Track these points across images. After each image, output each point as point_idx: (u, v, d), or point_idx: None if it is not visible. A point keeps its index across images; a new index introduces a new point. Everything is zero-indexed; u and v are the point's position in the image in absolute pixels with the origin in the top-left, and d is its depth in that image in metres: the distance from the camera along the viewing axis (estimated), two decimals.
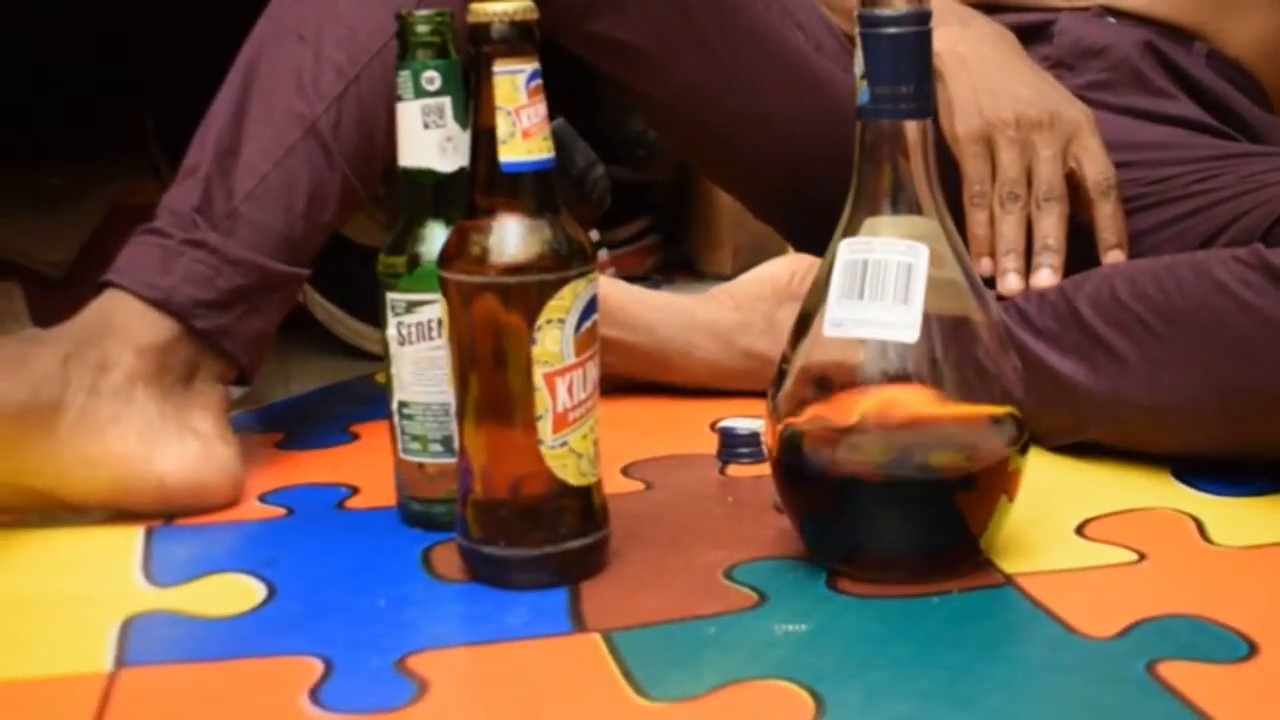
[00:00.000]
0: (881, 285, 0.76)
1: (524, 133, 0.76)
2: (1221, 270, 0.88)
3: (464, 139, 0.86)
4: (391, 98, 0.98)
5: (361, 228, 1.28)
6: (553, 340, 0.76)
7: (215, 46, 1.36)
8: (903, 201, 0.78)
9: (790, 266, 1.18)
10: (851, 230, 0.79)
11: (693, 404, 1.12)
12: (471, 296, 0.77)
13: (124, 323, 0.92)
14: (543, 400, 0.77)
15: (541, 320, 0.76)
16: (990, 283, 1.03)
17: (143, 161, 1.42)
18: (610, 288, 1.10)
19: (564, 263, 0.77)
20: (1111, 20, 1.21)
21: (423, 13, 0.85)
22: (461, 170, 0.86)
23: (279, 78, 0.99)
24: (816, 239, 1.25)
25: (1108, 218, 1.03)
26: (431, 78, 0.85)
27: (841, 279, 0.77)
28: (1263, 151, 1.09)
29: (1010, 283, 1.02)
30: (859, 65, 0.76)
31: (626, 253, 1.62)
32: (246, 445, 0.99)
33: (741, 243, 1.63)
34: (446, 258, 0.78)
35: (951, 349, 0.78)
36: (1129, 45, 1.19)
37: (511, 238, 0.76)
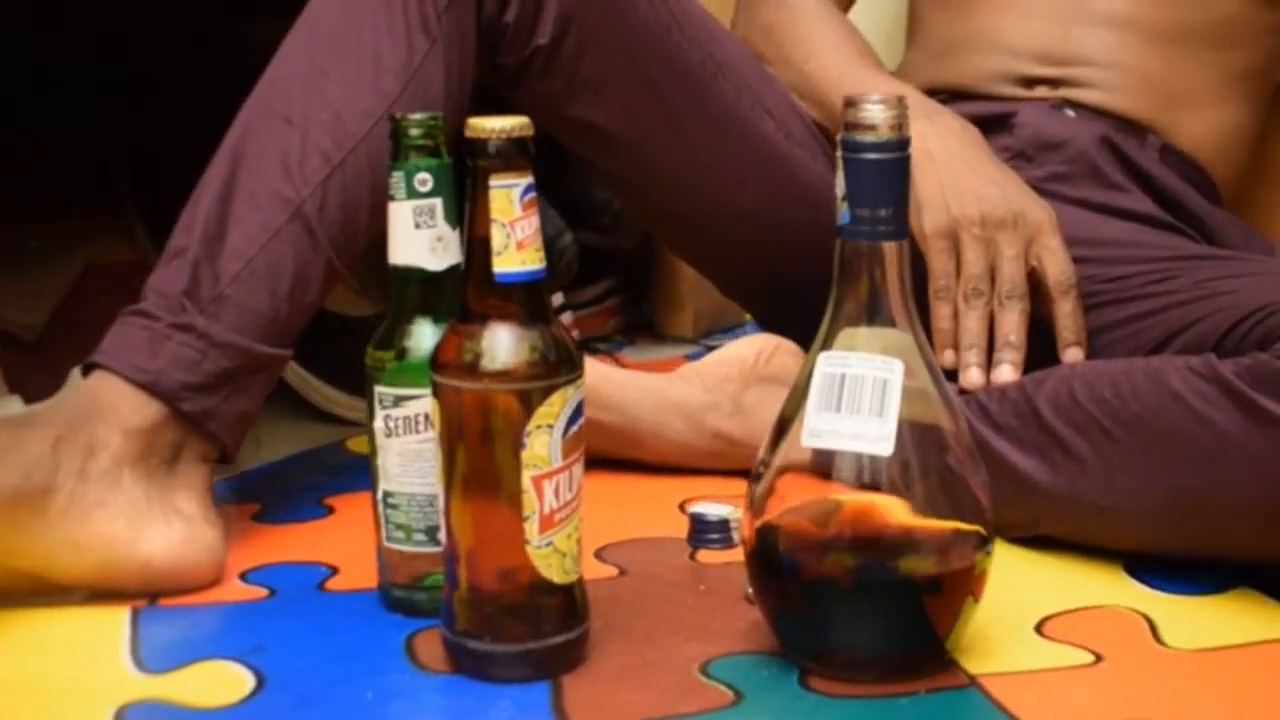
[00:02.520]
0: (858, 399, 0.80)
1: (518, 244, 0.79)
2: (1176, 380, 0.92)
3: (453, 238, 0.89)
4: (376, 182, 1.01)
5: (336, 295, 1.30)
6: (541, 445, 0.79)
7: (193, 105, 1.38)
8: (878, 315, 0.82)
9: (756, 346, 1.22)
10: (829, 341, 0.82)
11: (662, 481, 1.15)
12: (463, 401, 0.79)
13: (112, 405, 0.94)
14: (530, 502, 0.79)
15: (531, 426, 0.79)
16: (953, 375, 1.07)
17: (116, 221, 1.43)
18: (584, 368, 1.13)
19: (553, 370, 0.79)
20: (1071, 113, 1.26)
21: (416, 116, 0.88)
22: (450, 268, 0.89)
23: (266, 161, 1.01)
24: (781, 318, 1.30)
25: (1067, 316, 1.07)
26: (424, 179, 0.87)
27: (819, 391, 0.81)
28: (1215, 255, 1.13)
29: (972, 377, 1.06)
30: (840, 186, 0.80)
31: (590, 314, 1.65)
32: (224, 517, 1.01)
33: (702, 307, 1.67)
34: (440, 362, 0.80)
35: (922, 455, 0.81)
36: (1087, 140, 1.23)
37: (503, 346, 0.79)
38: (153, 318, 0.97)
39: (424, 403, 0.87)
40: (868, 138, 0.78)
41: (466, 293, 0.81)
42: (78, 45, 1.54)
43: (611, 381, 1.15)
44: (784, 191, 1.22)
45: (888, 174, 0.79)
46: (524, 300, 0.80)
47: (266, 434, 1.28)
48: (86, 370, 0.97)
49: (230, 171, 1.01)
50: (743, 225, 1.23)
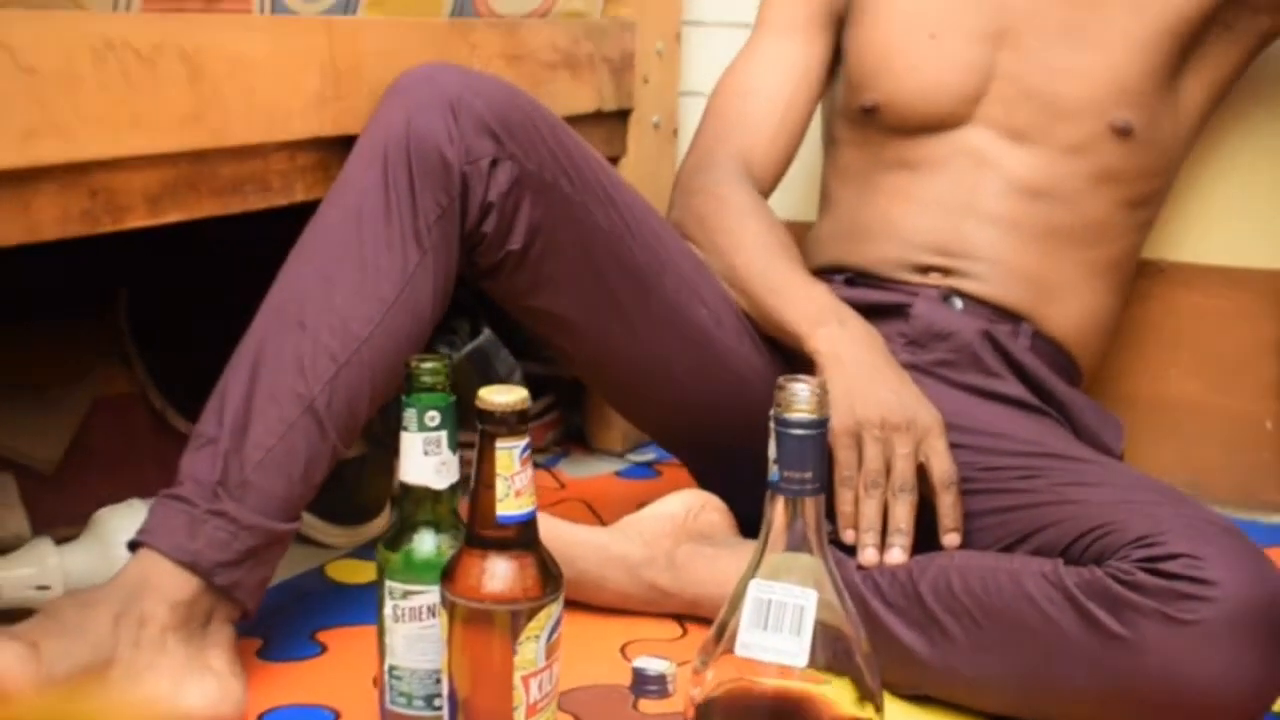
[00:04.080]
0: (780, 621, 1.00)
1: (516, 492, 0.99)
2: (1031, 584, 1.14)
3: (454, 460, 1.09)
4: (375, 377, 1.21)
5: None
6: (530, 651, 0.99)
7: (194, 242, 1.54)
8: (798, 544, 1.02)
9: (685, 503, 1.42)
10: (758, 565, 1.03)
11: (603, 623, 1.35)
12: (469, 614, 0.99)
13: (158, 581, 1.12)
14: (519, 696, 1.00)
15: (523, 638, 0.99)
16: (853, 550, 1.29)
17: (112, 346, 1.60)
18: (540, 524, 1.33)
19: (542, 592, 1.00)
20: (958, 303, 1.48)
21: (428, 364, 1.07)
22: (451, 486, 1.08)
23: (283, 361, 1.20)
24: (707, 470, 1.51)
25: (948, 507, 1.28)
26: (433, 416, 1.07)
27: (750, 612, 1.01)
28: (1070, 456, 1.35)
29: (869, 556, 1.27)
30: (772, 451, 1.00)
31: (531, 428, 1.84)
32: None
33: (630, 426, 1.87)
34: (450, 578, 1.00)
35: (829, 652, 1.02)
36: (970, 333, 1.46)
37: (501, 573, 0.99)
38: (191, 503, 1.15)
39: (426, 597, 1.07)
40: (795, 416, 0.99)
41: (473, 522, 1.00)
42: None
43: (561, 540, 1.34)
44: (712, 372, 1.42)
45: (810, 446, 0.99)
46: (519, 533, 1.00)
47: None
48: (133, 546, 1.15)
49: (253, 368, 1.19)
50: (676, 398, 1.43)
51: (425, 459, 1.07)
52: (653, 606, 1.37)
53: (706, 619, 1.35)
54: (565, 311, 1.37)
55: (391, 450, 1.53)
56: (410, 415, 1.07)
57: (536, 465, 1.81)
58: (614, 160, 1.78)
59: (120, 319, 1.62)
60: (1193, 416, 1.72)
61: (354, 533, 1.54)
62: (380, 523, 1.57)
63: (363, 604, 1.38)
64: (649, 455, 1.88)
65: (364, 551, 1.53)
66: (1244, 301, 1.68)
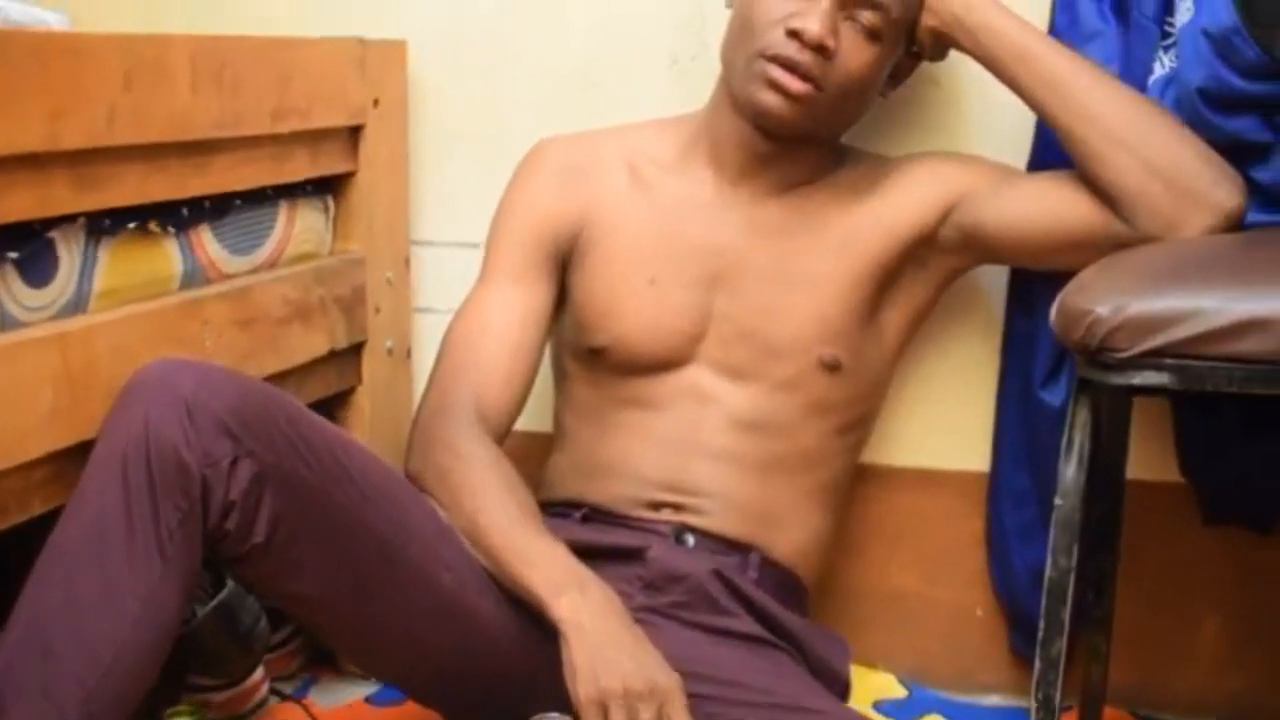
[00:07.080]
0: None
1: None
2: None
3: None
4: (126, 691, 1.22)
5: None
6: None
7: None
8: None
9: None
10: None
11: None
12: None
13: None
14: None
15: None
16: None
17: None
18: None
19: None
20: (690, 539, 1.56)
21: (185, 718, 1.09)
22: None
23: (30, 693, 1.20)
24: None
25: None
26: None
27: None
28: (803, 708, 1.43)
29: None
30: None
31: (278, 656, 1.85)
32: None
33: None
34: None
35: None
36: (703, 573, 1.54)
37: None
38: None
39: None
40: None
41: None
42: None
43: None
44: (459, 633, 1.45)
45: None
46: None
47: None
48: None
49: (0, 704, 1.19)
50: (427, 663, 1.47)
51: None
52: None
53: None
54: (312, 591, 1.39)
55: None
56: None
57: (285, 696, 1.83)
58: (349, 391, 1.81)
59: None
60: (912, 608, 1.84)
61: None
62: None
63: None
64: None
65: None
66: (950, 500, 1.81)
